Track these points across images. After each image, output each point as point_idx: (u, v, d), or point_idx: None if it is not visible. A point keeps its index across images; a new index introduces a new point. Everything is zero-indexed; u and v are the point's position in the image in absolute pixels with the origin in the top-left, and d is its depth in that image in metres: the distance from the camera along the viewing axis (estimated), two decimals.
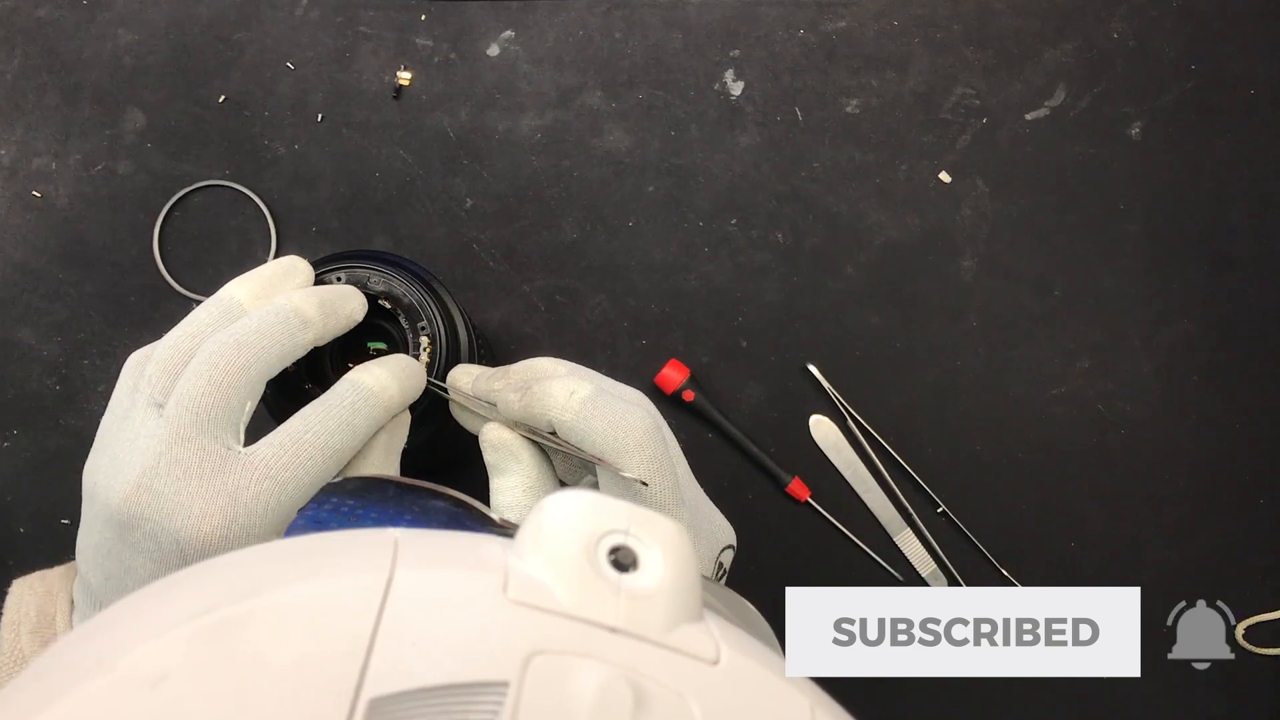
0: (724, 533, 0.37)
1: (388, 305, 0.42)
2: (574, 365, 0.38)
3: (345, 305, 0.38)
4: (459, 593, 0.18)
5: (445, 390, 0.40)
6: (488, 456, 0.36)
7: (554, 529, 0.20)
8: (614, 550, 0.20)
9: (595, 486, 0.38)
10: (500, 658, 0.17)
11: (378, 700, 0.16)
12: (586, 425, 0.34)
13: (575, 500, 0.20)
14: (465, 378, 0.39)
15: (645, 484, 0.33)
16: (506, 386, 0.37)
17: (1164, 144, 0.58)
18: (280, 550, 0.20)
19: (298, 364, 0.41)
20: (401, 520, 0.27)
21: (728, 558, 0.37)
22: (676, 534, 0.20)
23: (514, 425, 0.37)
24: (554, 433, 0.35)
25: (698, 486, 0.38)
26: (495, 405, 0.37)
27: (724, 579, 0.37)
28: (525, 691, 0.16)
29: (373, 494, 0.28)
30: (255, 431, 0.44)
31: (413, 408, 0.40)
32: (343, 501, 0.27)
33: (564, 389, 0.35)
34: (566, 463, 0.41)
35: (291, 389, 0.41)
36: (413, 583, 0.18)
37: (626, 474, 0.33)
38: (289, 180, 0.57)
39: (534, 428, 0.36)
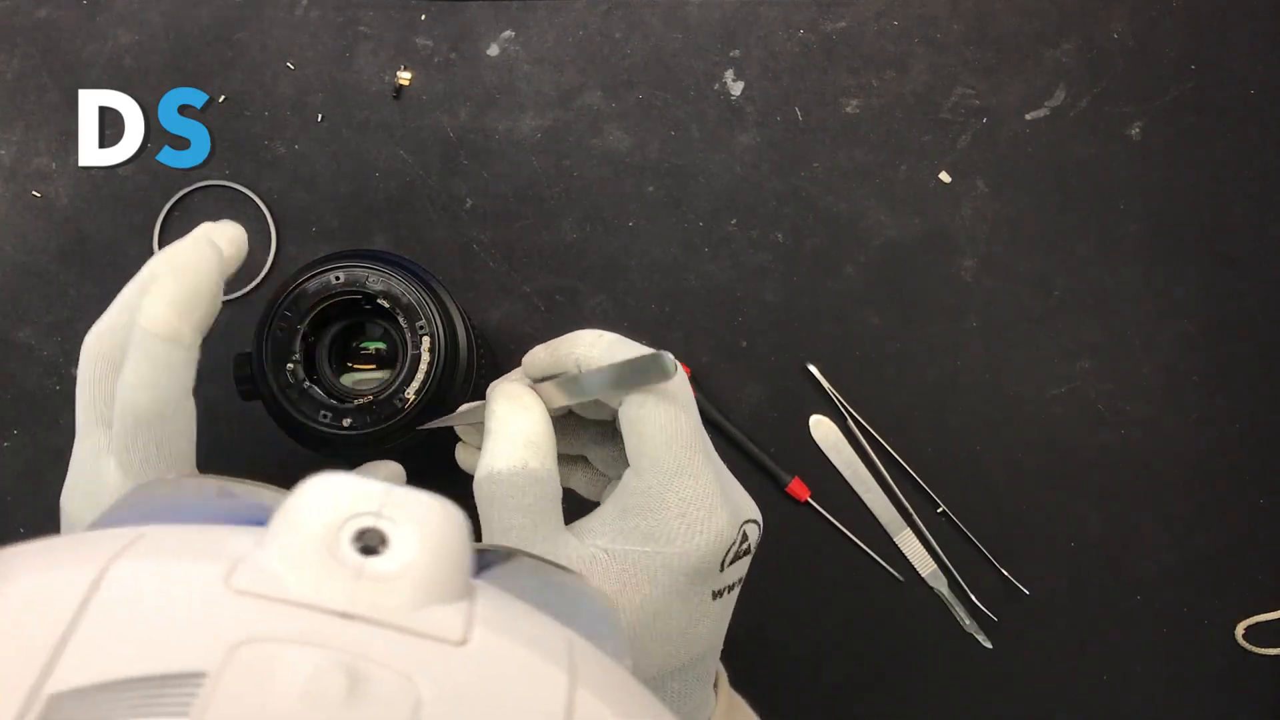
0: (748, 506, 0.37)
1: (386, 305, 0.41)
2: None
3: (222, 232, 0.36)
4: (175, 583, 0.17)
5: (441, 419, 0.39)
6: (492, 410, 0.36)
7: (297, 513, 0.19)
8: (363, 532, 0.19)
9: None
10: (202, 647, 0.16)
11: (58, 696, 0.15)
12: (612, 358, 0.34)
13: (323, 482, 0.19)
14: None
15: (675, 366, 0.32)
16: (532, 352, 0.37)
17: (1164, 144, 0.58)
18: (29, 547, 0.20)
19: (295, 362, 0.41)
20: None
21: (753, 532, 0.36)
22: (436, 513, 0.19)
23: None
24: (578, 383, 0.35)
25: (723, 465, 0.38)
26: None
27: (749, 555, 0.36)
28: (224, 682, 0.15)
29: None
30: (254, 432, 0.44)
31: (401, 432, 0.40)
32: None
33: (592, 332, 0.36)
34: (590, 482, 0.40)
35: (289, 387, 0.41)
36: (127, 575, 0.17)
37: (663, 351, 0.33)
38: (289, 180, 0.57)
39: (559, 376, 0.36)
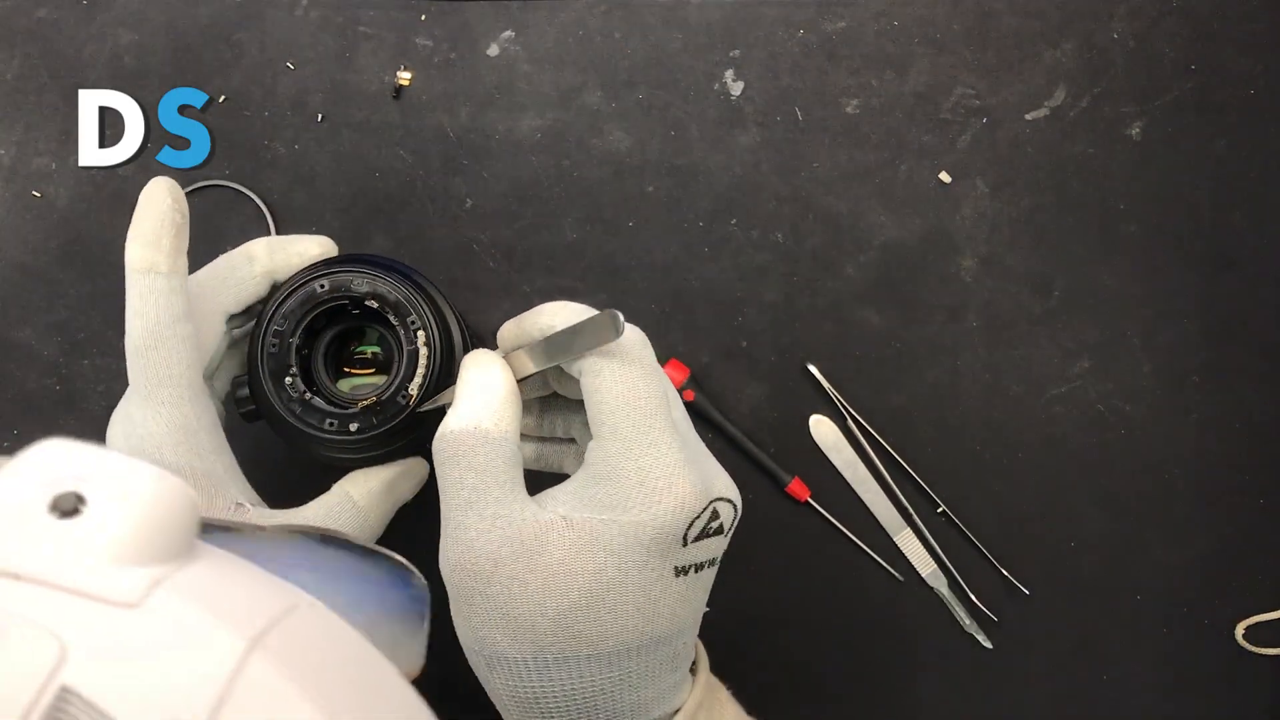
0: (723, 483, 0.36)
1: (375, 305, 0.41)
2: None
3: (295, 244, 0.42)
4: None
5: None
6: (460, 376, 0.37)
7: (4, 477, 0.19)
8: (61, 497, 0.19)
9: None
10: None
11: None
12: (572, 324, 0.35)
13: (35, 449, 0.20)
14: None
15: (622, 324, 0.33)
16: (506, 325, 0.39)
17: (1164, 144, 0.58)
18: None
19: (293, 376, 0.41)
20: None
21: (725, 511, 0.35)
22: (144, 482, 0.20)
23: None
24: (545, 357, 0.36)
25: (700, 440, 0.38)
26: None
27: (721, 536, 0.36)
28: None
29: None
30: (259, 443, 0.44)
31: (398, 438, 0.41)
32: None
33: (557, 303, 0.37)
34: (580, 463, 0.41)
35: (291, 401, 0.41)
36: None
37: (611, 310, 0.33)
38: (289, 180, 0.57)
39: (527, 347, 0.37)
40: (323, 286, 0.41)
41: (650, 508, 0.33)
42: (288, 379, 0.41)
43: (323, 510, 0.41)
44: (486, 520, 0.33)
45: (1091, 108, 0.59)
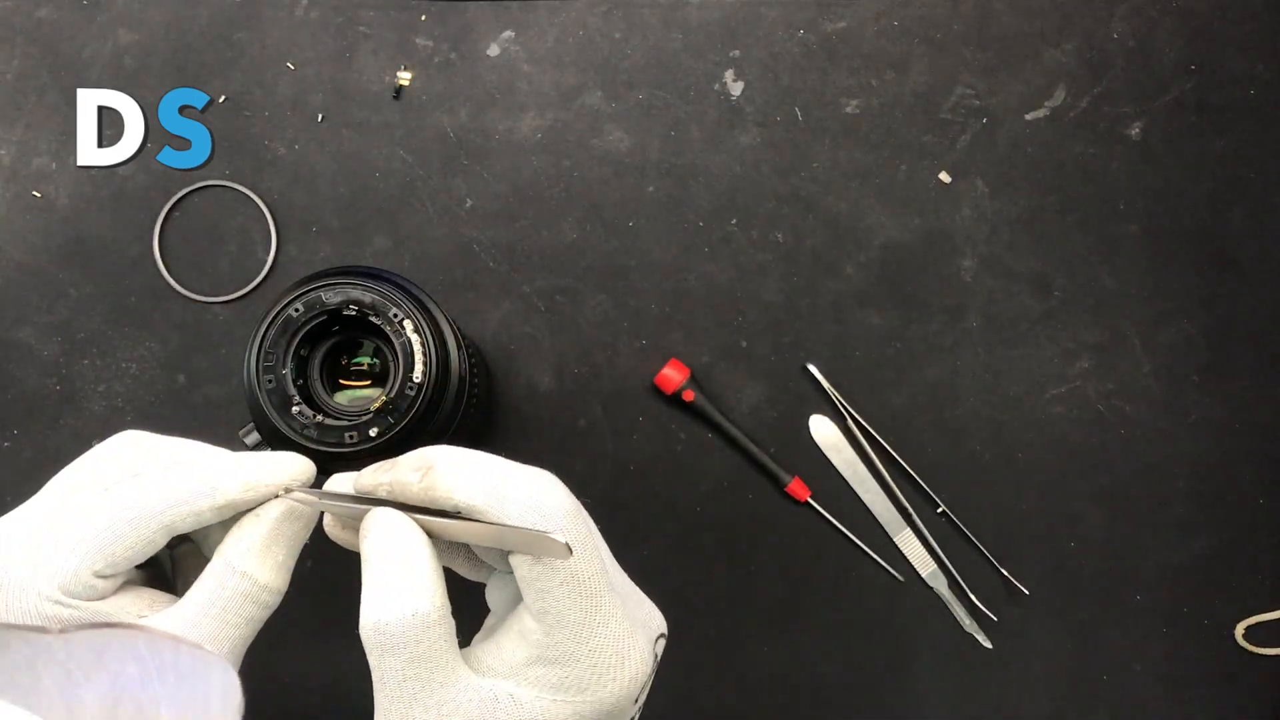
0: (657, 621, 0.36)
1: (354, 310, 0.41)
2: (469, 450, 0.34)
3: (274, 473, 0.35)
4: None
5: (316, 499, 0.35)
6: (371, 544, 0.33)
7: None
8: None
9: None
10: None
11: None
12: (500, 504, 0.32)
13: None
14: (344, 482, 0.36)
15: (570, 551, 0.31)
16: (400, 472, 0.33)
17: (1164, 144, 0.58)
18: None
19: (298, 405, 0.40)
20: None
21: (661, 647, 0.35)
22: None
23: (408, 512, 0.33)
24: (458, 516, 0.32)
25: (624, 575, 0.36)
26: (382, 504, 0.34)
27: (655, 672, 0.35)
28: None
29: None
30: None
31: None
32: None
33: (470, 475, 0.32)
34: (473, 567, 0.38)
35: (306, 429, 0.40)
36: None
37: (557, 536, 0.30)
38: (289, 180, 0.57)
39: (440, 515, 0.33)
40: (298, 310, 0.41)
41: (606, 686, 0.32)
42: (294, 409, 0.40)
43: (211, 584, 0.35)
44: (432, 711, 0.32)
45: (1091, 108, 0.59)
